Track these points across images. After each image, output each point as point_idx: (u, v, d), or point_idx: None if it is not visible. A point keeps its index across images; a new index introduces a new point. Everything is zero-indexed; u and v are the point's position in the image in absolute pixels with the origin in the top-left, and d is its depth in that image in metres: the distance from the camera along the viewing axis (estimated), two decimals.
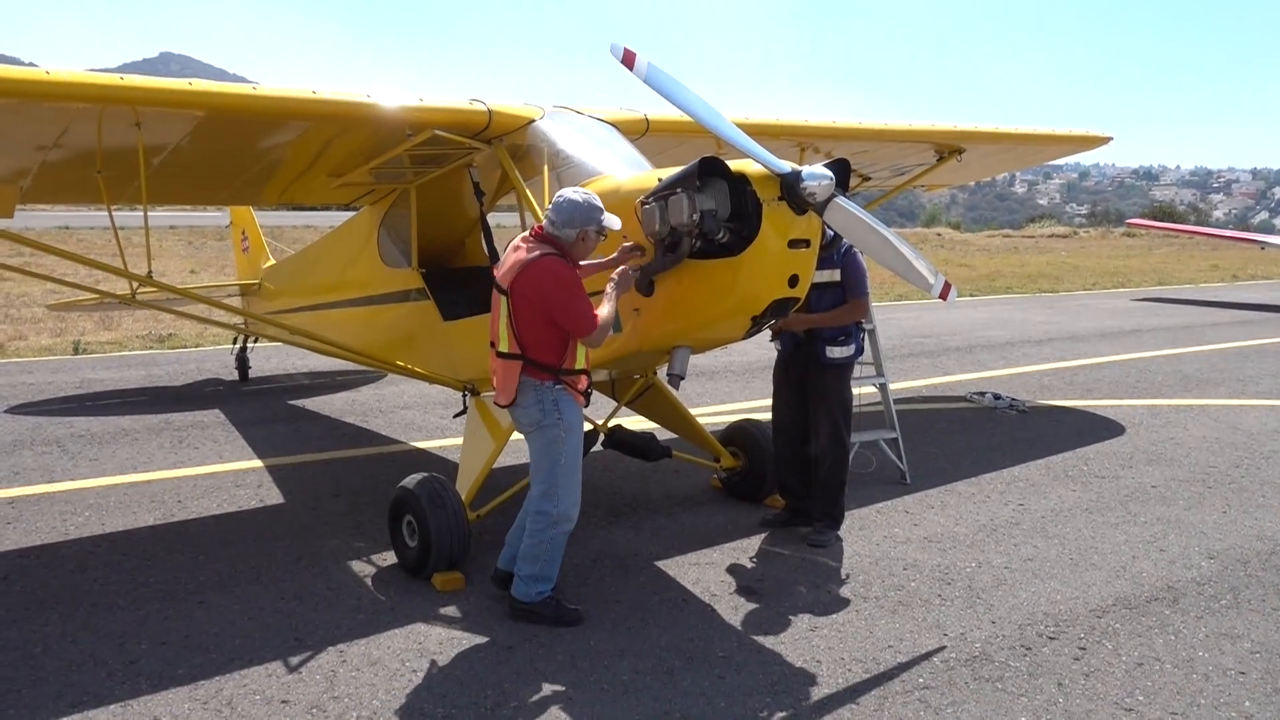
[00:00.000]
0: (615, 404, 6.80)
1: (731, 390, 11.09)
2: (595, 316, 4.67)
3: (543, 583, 4.94)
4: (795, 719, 4.10)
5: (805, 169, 4.64)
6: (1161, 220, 47.90)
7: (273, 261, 10.61)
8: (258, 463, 7.96)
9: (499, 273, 4.84)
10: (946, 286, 5.18)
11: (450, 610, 5.13)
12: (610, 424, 6.46)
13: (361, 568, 5.72)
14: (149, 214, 5.93)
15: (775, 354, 6.48)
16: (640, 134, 6.76)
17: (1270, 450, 8.48)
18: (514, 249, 4.81)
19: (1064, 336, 15.78)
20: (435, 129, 5.71)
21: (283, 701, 4.20)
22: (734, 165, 4.78)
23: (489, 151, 6.23)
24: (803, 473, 6.38)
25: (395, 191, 7.29)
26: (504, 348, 4.79)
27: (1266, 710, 4.19)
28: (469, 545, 5.49)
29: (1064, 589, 5.46)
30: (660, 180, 4.97)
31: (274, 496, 7.09)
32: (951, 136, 8.90)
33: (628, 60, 4.75)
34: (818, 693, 4.32)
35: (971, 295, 22.88)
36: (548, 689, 4.31)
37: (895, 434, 7.57)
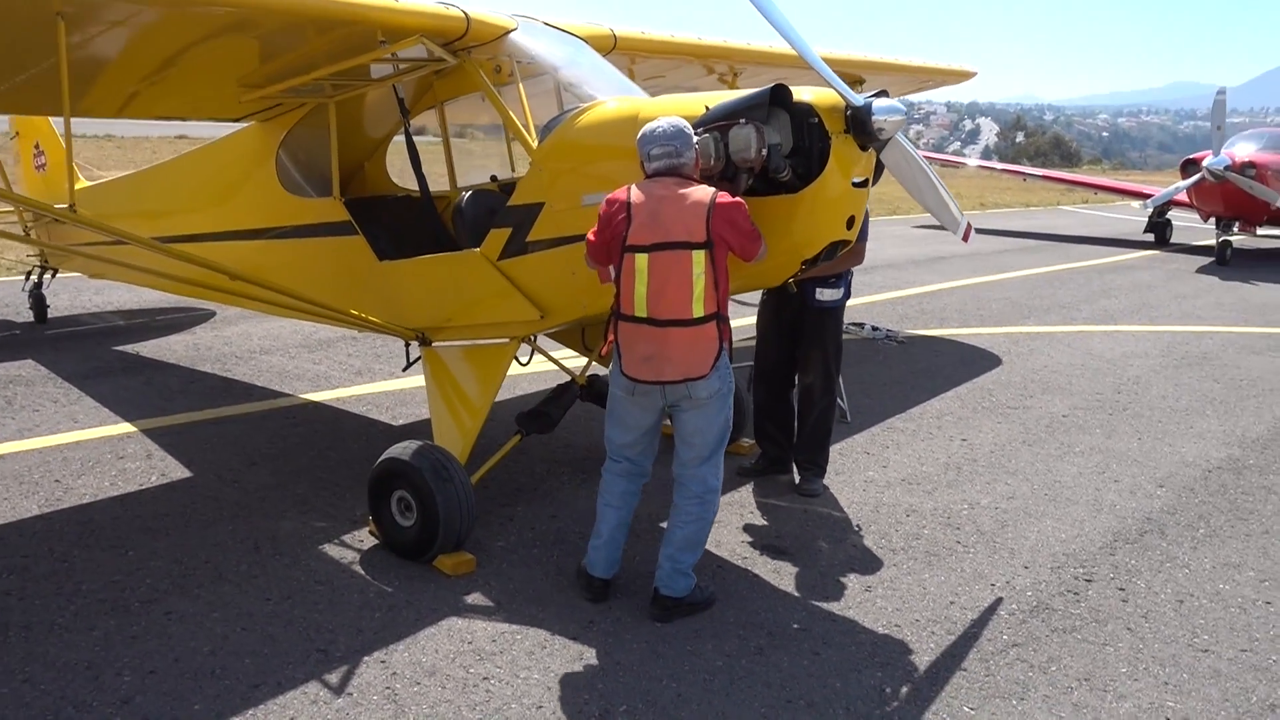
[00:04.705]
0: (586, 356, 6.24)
1: None
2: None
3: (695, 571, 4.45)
4: (917, 694, 3.90)
5: (877, 102, 4.30)
6: None
7: (86, 184, 8.95)
8: (128, 426, 6.74)
9: (655, 233, 4.07)
10: (968, 228, 5.28)
11: (477, 598, 4.51)
12: (587, 375, 5.94)
13: (339, 553, 4.94)
14: None
15: (760, 295, 6.15)
16: (606, 52, 6.11)
17: (1134, 375, 9.15)
18: (661, 199, 4.09)
19: (883, 264, 16.39)
20: (422, 36, 4.83)
21: None
22: (796, 94, 4.36)
23: (452, 64, 5.37)
24: (784, 421, 6.16)
25: (304, 107, 6.22)
26: (700, 311, 4.10)
27: None
28: (474, 521, 4.86)
29: (1061, 526, 5.56)
30: (708, 108, 4.46)
31: (175, 469, 6.01)
32: (853, 66, 8.79)
33: None
34: (919, 661, 4.14)
35: None
36: (647, 688, 3.85)
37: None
